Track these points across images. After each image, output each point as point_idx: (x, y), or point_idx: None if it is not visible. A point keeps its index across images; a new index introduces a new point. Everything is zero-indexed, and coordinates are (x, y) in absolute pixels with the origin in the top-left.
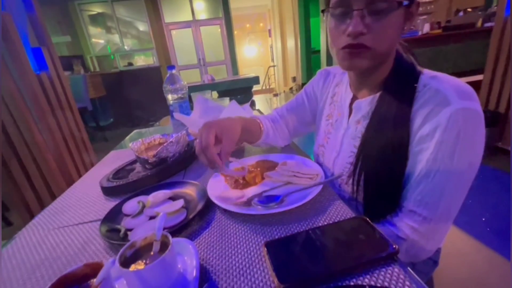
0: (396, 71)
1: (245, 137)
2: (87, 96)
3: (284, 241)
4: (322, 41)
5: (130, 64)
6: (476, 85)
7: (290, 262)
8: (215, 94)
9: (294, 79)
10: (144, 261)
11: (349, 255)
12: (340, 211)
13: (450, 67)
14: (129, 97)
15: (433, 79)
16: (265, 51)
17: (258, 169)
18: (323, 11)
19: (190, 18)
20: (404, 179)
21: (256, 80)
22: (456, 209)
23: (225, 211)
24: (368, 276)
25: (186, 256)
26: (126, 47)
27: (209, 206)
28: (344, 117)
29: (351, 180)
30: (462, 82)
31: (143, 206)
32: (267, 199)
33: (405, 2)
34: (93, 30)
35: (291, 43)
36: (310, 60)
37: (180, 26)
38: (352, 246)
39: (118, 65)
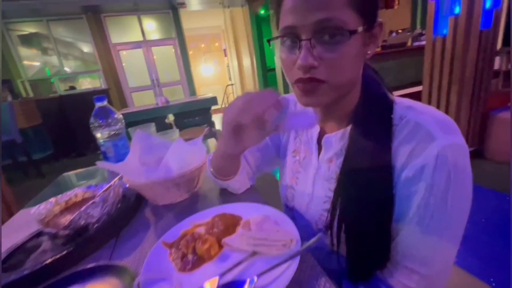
0: (365, 100)
1: (234, 163)
2: (15, 126)
3: None
4: (277, 60)
5: (73, 87)
6: (417, 96)
7: None
8: (171, 116)
9: None
10: None
11: None
12: None
13: (391, 81)
14: (71, 124)
15: (409, 110)
16: (222, 70)
17: (215, 231)
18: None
19: (140, 38)
20: (392, 227)
21: (214, 100)
22: (453, 257)
23: None
24: None
25: None
26: (67, 69)
27: None
28: (313, 154)
29: (329, 231)
30: (439, 112)
31: None
32: None
33: (360, 28)
34: (25, 51)
35: (247, 61)
36: (267, 78)
37: (129, 47)
38: None
39: (58, 89)
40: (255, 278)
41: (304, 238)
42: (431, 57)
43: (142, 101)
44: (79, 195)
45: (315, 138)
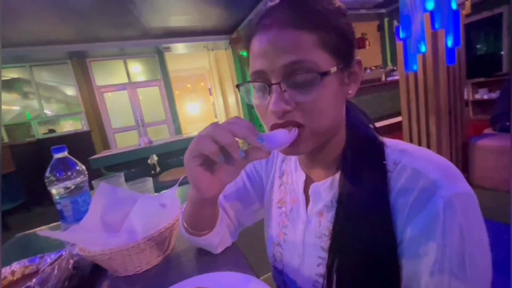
0: (353, 143)
1: (209, 212)
2: None
3: None
4: None
5: (52, 130)
6: (397, 126)
7: None
8: (155, 157)
9: None
10: None
11: None
12: None
13: (371, 113)
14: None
15: (403, 155)
16: (208, 108)
17: None
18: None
19: (125, 80)
20: None
21: None
22: None
23: None
24: None
25: None
26: (48, 112)
27: None
28: (301, 205)
29: None
30: (436, 155)
31: None
32: None
33: (334, 69)
34: (4, 96)
35: (232, 99)
36: (252, 114)
37: (114, 89)
38: None
39: (35, 133)
40: None
41: None
42: (406, 91)
43: (126, 141)
44: (17, 272)
45: (301, 188)
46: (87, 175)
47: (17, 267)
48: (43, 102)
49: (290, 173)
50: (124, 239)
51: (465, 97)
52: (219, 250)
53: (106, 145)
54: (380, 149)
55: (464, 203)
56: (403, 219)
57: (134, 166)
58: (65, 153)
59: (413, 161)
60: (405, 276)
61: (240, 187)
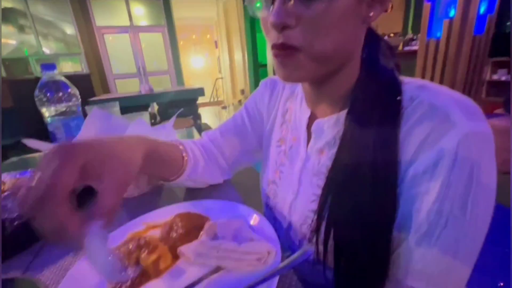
0: (366, 78)
1: (155, 171)
2: None
3: None
4: (268, 55)
5: None
6: None
7: None
8: (156, 106)
9: (242, 91)
10: None
11: None
12: None
13: None
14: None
15: (422, 90)
16: (212, 63)
17: (172, 236)
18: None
19: (127, 23)
20: (393, 236)
21: (200, 91)
22: (467, 276)
23: None
24: None
25: None
26: (47, 51)
27: None
28: (301, 143)
29: (315, 237)
30: (458, 93)
31: None
32: None
33: None
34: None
35: (238, 55)
36: (258, 73)
37: (115, 31)
38: None
39: (34, 71)
40: None
41: (285, 245)
42: (423, 60)
43: (126, 88)
44: (7, 183)
45: (305, 124)
46: (79, 99)
47: (7, 178)
48: (41, 39)
49: (294, 111)
50: None
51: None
52: (206, 185)
53: (106, 90)
54: (396, 84)
55: (480, 144)
56: (409, 156)
57: (131, 117)
58: (54, 72)
59: (432, 96)
60: (400, 215)
61: (238, 124)
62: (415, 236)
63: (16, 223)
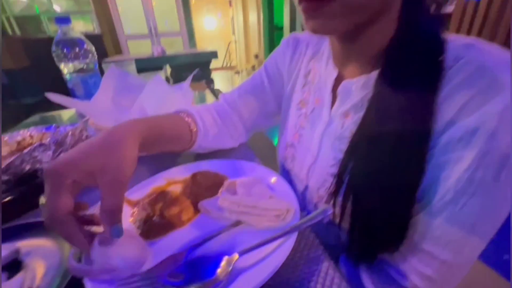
0: (404, 34)
1: (159, 150)
2: None
3: None
4: (286, 17)
5: None
6: None
7: None
8: (168, 70)
9: (256, 56)
10: None
11: None
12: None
13: None
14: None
15: (469, 49)
16: (225, 24)
17: (193, 190)
18: None
19: None
20: (415, 202)
21: (214, 54)
22: (482, 248)
23: None
24: None
25: None
26: (57, 8)
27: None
28: (325, 105)
29: (333, 200)
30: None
31: None
32: (192, 271)
33: None
34: None
35: (253, 16)
36: (273, 37)
37: None
38: None
39: (47, 30)
40: (235, 256)
41: (301, 206)
42: (458, 23)
43: (139, 50)
44: (35, 136)
45: (330, 85)
46: (96, 56)
47: (34, 132)
48: None
49: (319, 71)
50: (136, 116)
51: None
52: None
53: (118, 51)
54: (440, 44)
55: None
56: (446, 121)
57: (147, 76)
58: (68, 25)
59: (481, 55)
60: (426, 182)
61: (257, 85)
62: (439, 203)
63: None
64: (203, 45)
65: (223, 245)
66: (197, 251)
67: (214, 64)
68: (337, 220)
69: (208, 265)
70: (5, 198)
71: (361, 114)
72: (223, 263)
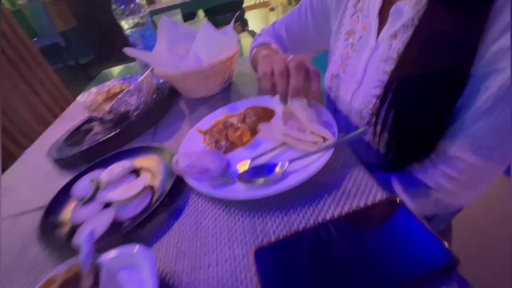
0: None
1: None
2: (54, 28)
3: (282, 245)
4: None
5: None
6: None
7: (290, 280)
8: (201, 13)
9: None
10: None
11: (377, 269)
12: (362, 185)
13: None
14: (105, 28)
15: None
16: None
17: (247, 121)
18: None
19: None
20: (452, 114)
21: None
22: (508, 162)
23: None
24: None
25: (143, 271)
26: None
27: (181, 182)
28: (372, 31)
29: (374, 119)
30: None
31: (97, 188)
32: (256, 172)
33: None
34: None
35: None
36: None
37: None
38: (382, 253)
39: None
40: (286, 163)
41: (344, 131)
42: None
43: None
44: (117, 86)
45: (377, 8)
46: (147, 9)
47: (116, 83)
48: None
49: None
50: (193, 63)
51: None
52: None
53: (151, 1)
54: None
55: None
56: (497, 32)
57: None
58: None
59: None
60: (466, 94)
61: (302, 21)
62: (476, 112)
63: (135, 113)
64: None
65: (276, 157)
66: (257, 162)
67: (246, 2)
68: (377, 138)
69: (267, 169)
70: (114, 131)
71: (409, 34)
72: (277, 168)
